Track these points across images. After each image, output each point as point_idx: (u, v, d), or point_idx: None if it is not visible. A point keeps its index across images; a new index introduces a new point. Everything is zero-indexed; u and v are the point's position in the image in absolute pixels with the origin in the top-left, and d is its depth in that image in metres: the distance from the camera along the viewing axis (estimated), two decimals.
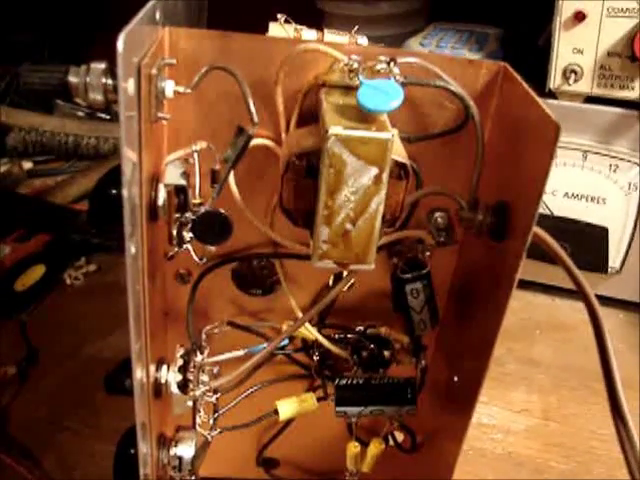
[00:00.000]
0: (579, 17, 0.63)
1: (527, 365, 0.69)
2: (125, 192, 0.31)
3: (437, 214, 0.41)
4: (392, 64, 0.36)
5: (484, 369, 0.40)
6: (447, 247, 0.42)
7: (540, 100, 0.34)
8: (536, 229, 0.35)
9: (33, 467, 0.61)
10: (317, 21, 0.89)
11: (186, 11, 0.43)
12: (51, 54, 1.20)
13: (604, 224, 0.70)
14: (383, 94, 0.34)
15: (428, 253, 0.43)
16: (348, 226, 0.35)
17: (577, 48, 0.64)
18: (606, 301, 0.75)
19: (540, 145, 0.33)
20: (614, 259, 0.72)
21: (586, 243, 0.71)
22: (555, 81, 0.66)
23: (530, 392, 0.66)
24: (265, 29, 0.42)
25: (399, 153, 0.35)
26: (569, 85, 0.65)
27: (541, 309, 0.76)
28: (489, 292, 0.40)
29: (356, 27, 0.46)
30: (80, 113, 1.13)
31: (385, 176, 0.34)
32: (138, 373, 0.38)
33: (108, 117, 1.13)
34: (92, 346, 0.75)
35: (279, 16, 0.45)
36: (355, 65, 0.36)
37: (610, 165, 0.68)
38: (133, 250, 0.33)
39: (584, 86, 0.65)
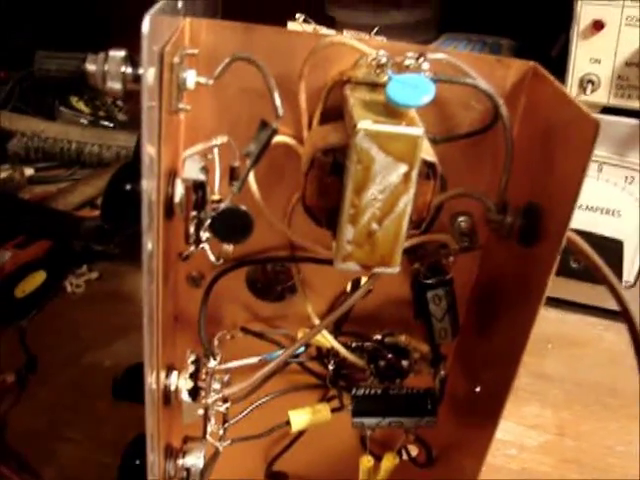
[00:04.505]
0: (597, 26, 0.61)
1: (540, 380, 0.68)
2: (144, 183, 0.30)
3: (460, 218, 0.40)
4: (421, 60, 0.35)
5: (511, 380, 0.39)
6: (470, 252, 0.41)
7: (576, 100, 0.33)
8: (570, 233, 0.34)
9: (33, 479, 0.59)
10: (327, 28, 0.88)
11: (205, 5, 0.41)
12: None
13: (619, 237, 0.68)
14: (413, 89, 0.32)
15: (451, 258, 0.41)
16: (374, 226, 0.34)
17: (595, 58, 0.63)
18: (617, 316, 0.73)
19: (576, 144, 0.32)
20: (629, 273, 0.70)
21: (601, 256, 0.70)
22: (572, 91, 0.65)
23: (543, 407, 0.65)
24: None
25: (428, 152, 0.34)
26: (586, 95, 0.64)
27: (552, 323, 0.74)
28: (517, 299, 0.39)
29: (375, 29, 0.45)
30: (83, 120, 1.11)
31: (415, 174, 0.33)
32: (149, 379, 0.37)
33: (111, 125, 1.11)
34: (93, 354, 0.73)
35: (297, 15, 0.44)
36: (383, 60, 0.35)
37: (626, 177, 0.66)
38: (150, 246, 0.32)
39: (601, 96, 0.64)
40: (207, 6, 0.43)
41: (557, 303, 0.76)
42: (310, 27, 0.44)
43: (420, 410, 0.44)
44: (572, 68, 0.64)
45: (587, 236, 0.69)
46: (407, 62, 0.35)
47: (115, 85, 0.32)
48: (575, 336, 0.73)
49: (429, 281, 0.41)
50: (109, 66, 0.32)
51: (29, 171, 1.03)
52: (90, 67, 0.32)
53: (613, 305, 0.73)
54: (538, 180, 0.37)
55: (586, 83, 0.64)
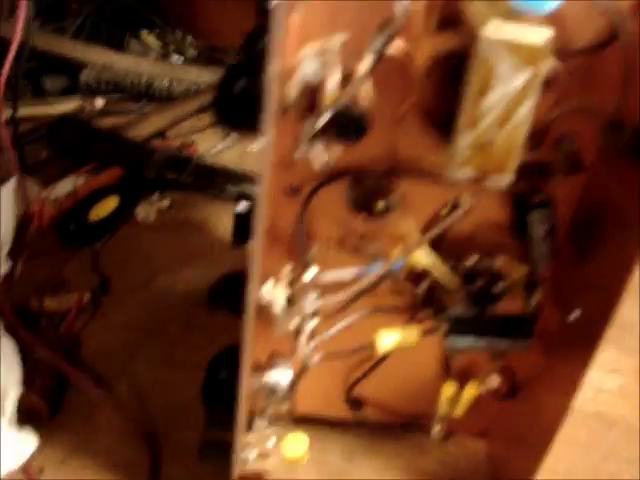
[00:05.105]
0: None
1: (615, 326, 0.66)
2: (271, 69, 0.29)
3: (568, 139, 0.39)
4: None
5: (614, 304, 0.38)
6: (573, 176, 0.40)
7: None
8: None
9: (107, 394, 0.60)
10: None
11: None
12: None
13: None
14: None
15: (556, 181, 0.40)
16: (492, 133, 0.33)
17: None
18: None
19: None
20: None
21: None
22: None
23: (620, 352, 0.63)
24: None
25: (552, 60, 0.33)
26: None
27: None
28: (625, 222, 0.38)
29: None
30: (153, 54, 1.11)
31: (539, 80, 0.32)
32: (252, 287, 0.37)
33: (181, 59, 1.11)
34: (164, 280, 0.74)
35: None
36: None
37: None
38: (268, 138, 0.31)
39: None
40: None
41: None
42: None
43: (516, 333, 0.43)
44: None
45: None
46: None
47: None
48: None
49: (532, 202, 0.40)
50: None
51: (100, 102, 1.03)
52: None
53: None
54: None
55: None
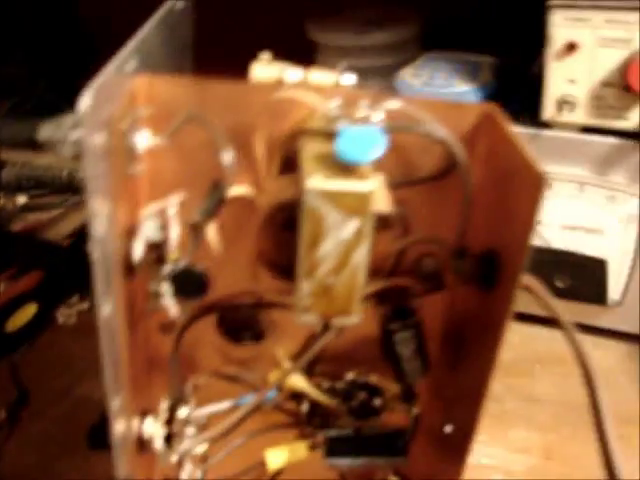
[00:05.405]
0: (571, 48, 0.62)
1: (527, 402, 0.68)
2: (96, 253, 0.30)
3: (426, 260, 0.40)
4: (374, 110, 0.35)
5: (476, 418, 0.39)
6: (438, 293, 0.41)
7: (525, 148, 0.33)
8: (526, 278, 0.34)
9: None
10: (310, 51, 0.88)
11: (166, 51, 0.42)
12: (48, 85, 1.19)
13: (602, 256, 0.68)
14: (363, 143, 0.33)
15: (417, 300, 0.41)
16: (330, 279, 0.34)
17: (570, 79, 0.63)
18: (608, 333, 0.73)
19: (526, 193, 0.32)
20: (614, 291, 0.70)
21: (585, 275, 0.70)
22: (549, 112, 0.65)
23: (530, 430, 0.65)
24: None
25: (383, 202, 0.34)
26: (563, 116, 0.64)
27: (541, 342, 0.74)
28: (480, 339, 0.39)
29: (344, 63, 0.44)
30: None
31: (367, 228, 0.33)
32: (119, 428, 0.37)
33: None
34: (86, 386, 0.73)
35: (263, 55, 0.44)
36: (335, 112, 0.35)
37: (607, 197, 0.66)
38: (107, 310, 0.32)
39: (579, 117, 0.64)
40: (169, 51, 0.43)
41: (546, 322, 0.76)
42: (275, 67, 0.44)
43: (392, 450, 0.44)
44: (548, 89, 0.64)
45: (571, 256, 0.70)
46: (360, 113, 0.35)
47: (67, 150, 0.33)
48: (564, 355, 0.73)
49: (394, 325, 0.41)
50: (60, 133, 0.33)
51: (22, 199, 1.03)
52: (43, 135, 0.33)
53: (603, 323, 0.73)
54: (496, 225, 0.37)
55: (563, 104, 0.64)
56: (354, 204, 0.32)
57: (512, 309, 0.34)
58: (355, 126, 0.34)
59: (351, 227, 0.33)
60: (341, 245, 0.33)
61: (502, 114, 0.37)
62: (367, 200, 0.32)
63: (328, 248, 0.33)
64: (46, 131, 0.32)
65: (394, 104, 0.36)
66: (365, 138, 0.33)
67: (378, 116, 0.35)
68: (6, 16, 1.09)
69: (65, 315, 0.82)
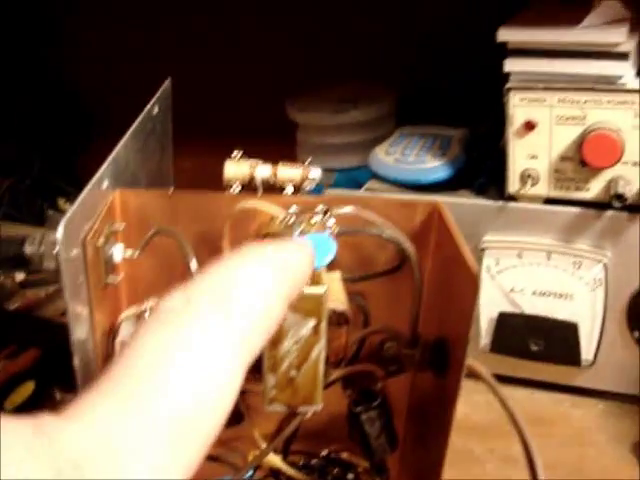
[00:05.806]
0: (529, 126, 0.65)
1: (506, 464, 0.70)
2: (76, 361, 0.33)
3: (387, 345, 0.44)
4: (327, 215, 0.39)
5: None
6: (399, 376, 0.44)
7: (465, 246, 0.36)
8: (471, 362, 0.37)
9: None
10: (290, 128, 0.92)
11: (142, 156, 0.45)
12: (42, 168, 1.22)
13: (573, 319, 0.71)
14: (317, 251, 0.36)
15: (380, 383, 0.45)
16: (293, 373, 0.37)
17: (531, 154, 0.67)
18: (584, 393, 0.76)
19: (465, 288, 0.36)
20: (587, 352, 0.73)
21: (558, 338, 0.73)
22: (514, 185, 0.68)
23: None
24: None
25: (338, 300, 0.38)
26: (527, 189, 0.68)
27: (520, 404, 0.76)
28: (437, 417, 0.42)
29: (309, 159, 0.48)
30: None
31: (323, 326, 0.36)
32: None
33: None
34: None
35: (234, 153, 0.47)
36: (291, 220, 0.38)
37: (574, 263, 0.70)
38: None
39: (542, 189, 0.68)
40: (151, 156, 0.46)
41: (525, 383, 0.78)
42: (246, 163, 0.47)
43: None
44: (512, 164, 0.68)
45: (544, 320, 0.73)
46: (315, 219, 0.39)
47: (51, 265, 0.36)
48: (542, 416, 0.75)
49: (358, 409, 0.44)
50: (44, 248, 0.36)
51: (20, 276, 1.06)
52: (28, 250, 0.36)
53: (579, 382, 0.76)
54: (443, 314, 0.40)
55: (526, 178, 0.67)
56: (310, 306, 0.36)
57: (459, 393, 0.37)
58: (308, 235, 0.37)
59: (309, 326, 0.36)
60: (301, 342, 0.36)
61: (446, 210, 0.41)
62: (322, 302, 0.36)
63: (289, 345, 0.36)
64: (31, 247, 0.35)
65: (347, 210, 0.40)
66: (318, 246, 0.36)
67: (331, 221, 0.38)
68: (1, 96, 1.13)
69: (63, 392, 0.84)
